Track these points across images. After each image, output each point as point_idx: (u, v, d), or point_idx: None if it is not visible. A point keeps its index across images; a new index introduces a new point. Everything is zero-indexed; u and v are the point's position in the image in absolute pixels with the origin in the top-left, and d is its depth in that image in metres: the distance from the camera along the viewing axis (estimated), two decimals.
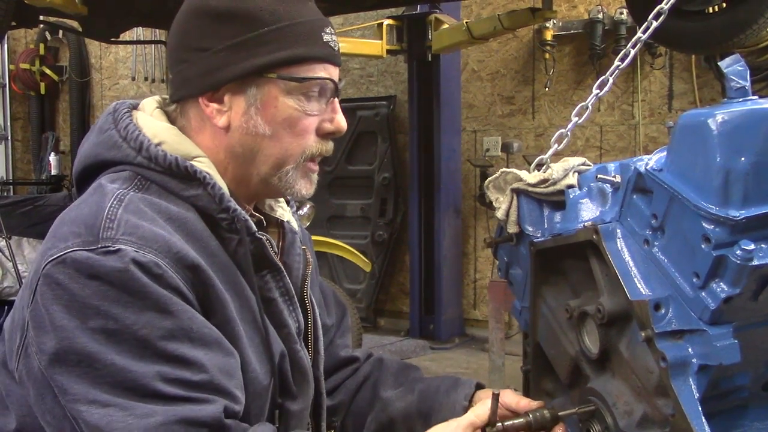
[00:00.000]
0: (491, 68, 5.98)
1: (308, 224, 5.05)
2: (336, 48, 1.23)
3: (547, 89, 5.62)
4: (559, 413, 1.25)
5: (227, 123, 1.19)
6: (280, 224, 1.33)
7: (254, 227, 1.18)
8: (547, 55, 5.52)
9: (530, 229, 1.41)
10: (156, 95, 1.28)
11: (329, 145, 1.25)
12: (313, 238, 5.71)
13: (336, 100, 1.24)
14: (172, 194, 1.15)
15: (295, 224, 1.36)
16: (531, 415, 1.25)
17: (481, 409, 1.21)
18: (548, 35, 5.45)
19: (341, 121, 1.24)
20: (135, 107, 1.24)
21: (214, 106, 1.19)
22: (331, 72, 1.22)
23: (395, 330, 6.30)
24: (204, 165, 1.17)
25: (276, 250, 1.24)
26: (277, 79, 1.17)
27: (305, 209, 4.95)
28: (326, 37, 1.20)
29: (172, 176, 1.15)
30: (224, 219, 1.15)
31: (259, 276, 1.20)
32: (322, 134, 1.23)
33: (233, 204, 1.15)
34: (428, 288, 6.08)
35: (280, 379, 1.21)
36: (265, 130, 1.18)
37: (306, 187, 1.24)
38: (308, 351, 1.31)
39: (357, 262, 5.22)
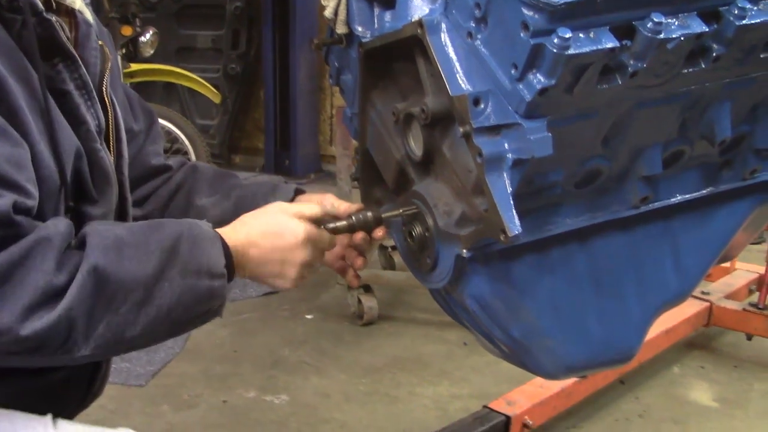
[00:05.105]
0: None
1: (152, 52, 4.73)
2: None
3: None
4: (382, 215, 1.26)
5: None
6: (71, 13, 1.18)
7: (41, 6, 1.05)
8: None
9: (360, 29, 1.34)
10: None
11: None
12: (159, 66, 5.31)
13: None
14: None
15: (89, 15, 1.22)
16: (354, 217, 1.25)
17: (306, 206, 1.20)
18: None
19: None
20: None
21: None
22: None
23: (250, 167, 6.22)
24: None
25: (69, 36, 1.10)
26: None
27: (148, 35, 4.61)
28: None
29: None
30: None
31: (50, 65, 1.08)
32: None
33: None
34: (284, 124, 5.99)
35: (77, 180, 1.11)
36: None
37: None
38: (110, 153, 1.22)
39: (206, 93, 5.02)
